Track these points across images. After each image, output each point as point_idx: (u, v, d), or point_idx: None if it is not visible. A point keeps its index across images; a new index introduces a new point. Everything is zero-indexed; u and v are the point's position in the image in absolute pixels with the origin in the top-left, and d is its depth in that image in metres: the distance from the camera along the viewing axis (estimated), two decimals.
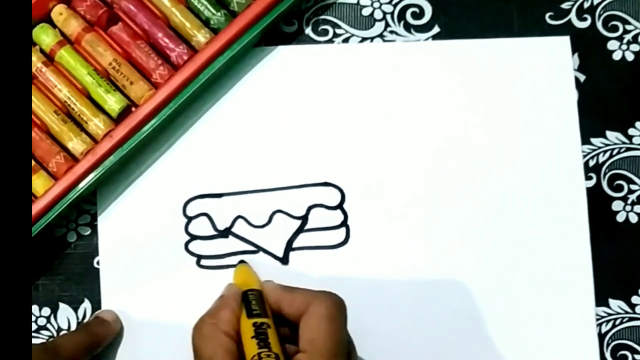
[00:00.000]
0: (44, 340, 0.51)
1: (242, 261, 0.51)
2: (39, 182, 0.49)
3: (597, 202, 0.53)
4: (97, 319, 0.50)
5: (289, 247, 0.52)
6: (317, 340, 0.40)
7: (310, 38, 0.54)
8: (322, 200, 0.52)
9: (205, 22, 0.51)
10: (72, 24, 0.51)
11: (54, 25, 0.51)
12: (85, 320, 0.52)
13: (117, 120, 0.50)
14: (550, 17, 0.54)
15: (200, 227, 0.52)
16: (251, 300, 0.43)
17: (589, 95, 0.53)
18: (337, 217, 0.52)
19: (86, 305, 0.52)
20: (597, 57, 0.54)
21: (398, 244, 0.52)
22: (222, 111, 0.53)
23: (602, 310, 0.52)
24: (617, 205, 0.53)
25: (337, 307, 0.42)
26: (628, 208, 0.53)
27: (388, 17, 0.54)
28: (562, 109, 0.53)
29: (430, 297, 0.51)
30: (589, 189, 0.53)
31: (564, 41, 0.54)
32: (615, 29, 0.54)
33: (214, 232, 0.52)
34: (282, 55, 0.54)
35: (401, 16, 0.54)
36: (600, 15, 0.54)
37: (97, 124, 0.50)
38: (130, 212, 0.52)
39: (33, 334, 0.52)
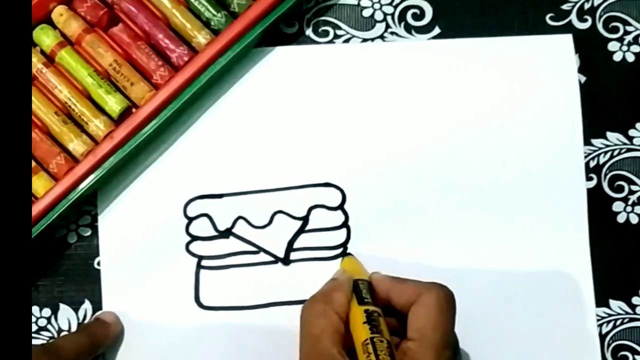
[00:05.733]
0: (44, 341, 0.51)
1: (348, 253, 0.51)
2: (40, 183, 0.49)
3: (598, 203, 0.53)
4: (97, 320, 0.50)
5: (289, 248, 0.52)
6: (426, 328, 0.41)
7: (311, 39, 0.54)
8: (323, 201, 0.52)
9: (206, 23, 0.51)
10: (72, 25, 0.51)
11: (54, 27, 0.51)
12: (86, 321, 0.52)
13: (118, 121, 0.50)
14: (551, 18, 0.54)
15: (201, 227, 0.52)
16: (362, 289, 0.45)
17: (590, 96, 0.53)
18: (338, 217, 0.52)
19: (87, 306, 0.52)
20: (597, 58, 0.54)
21: (399, 244, 0.52)
22: (222, 112, 0.53)
23: (602, 311, 0.52)
24: (617, 206, 0.53)
25: (447, 299, 0.43)
26: (629, 209, 0.53)
27: (389, 18, 0.54)
28: (564, 108, 0.53)
29: None
30: (589, 190, 0.53)
31: (567, 39, 0.53)
32: (615, 30, 0.54)
33: (214, 233, 0.52)
34: (282, 56, 0.54)
35: (402, 17, 0.54)
36: (600, 17, 0.54)
37: (97, 125, 0.50)
38: (130, 213, 0.52)
39: (33, 335, 0.52)
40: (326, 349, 0.41)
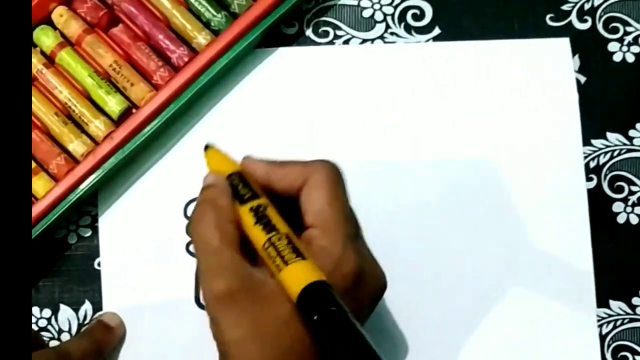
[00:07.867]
0: (47, 342, 0.51)
1: (207, 146, 0.43)
2: (40, 184, 0.49)
3: (598, 204, 0.53)
4: (100, 323, 0.50)
5: None
6: (327, 212, 0.38)
7: (311, 40, 0.54)
8: None
9: (206, 24, 0.51)
10: (72, 26, 0.51)
11: (54, 27, 0.51)
12: (86, 321, 0.52)
13: (118, 121, 0.50)
14: (551, 19, 0.54)
15: None
16: (236, 185, 0.39)
17: (590, 96, 0.53)
18: None
19: (87, 306, 0.52)
20: (597, 58, 0.54)
21: (400, 243, 0.52)
22: (222, 112, 0.53)
23: (602, 311, 0.52)
24: (617, 207, 0.53)
25: (338, 174, 0.39)
26: (629, 209, 0.53)
27: (389, 18, 0.54)
28: (563, 110, 0.53)
29: (431, 296, 0.51)
30: (589, 190, 0.53)
31: (564, 42, 0.54)
32: (615, 30, 0.54)
33: None
34: (282, 57, 0.54)
35: (402, 18, 0.54)
36: (600, 17, 0.54)
37: (97, 126, 0.50)
38: (131, 213, 0.52)
39: None
40: (229, 258, 0.36)
